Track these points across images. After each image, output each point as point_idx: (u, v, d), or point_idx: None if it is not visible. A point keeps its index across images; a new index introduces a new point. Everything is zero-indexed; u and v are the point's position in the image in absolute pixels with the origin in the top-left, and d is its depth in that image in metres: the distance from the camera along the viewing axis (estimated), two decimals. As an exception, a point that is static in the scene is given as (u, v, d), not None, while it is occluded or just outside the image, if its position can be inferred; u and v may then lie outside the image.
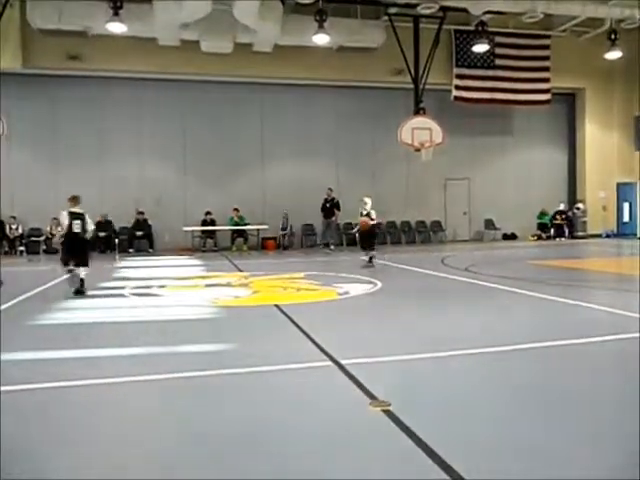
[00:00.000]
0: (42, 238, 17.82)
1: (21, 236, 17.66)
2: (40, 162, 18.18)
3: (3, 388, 3.99)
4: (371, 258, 12.22)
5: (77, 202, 8.90)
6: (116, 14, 14.66)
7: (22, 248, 17.43)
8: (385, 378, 4.22)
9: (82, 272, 8.55)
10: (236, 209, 18.66)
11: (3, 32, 15.47)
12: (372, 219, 11.88)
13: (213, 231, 18.71)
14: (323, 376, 4.29)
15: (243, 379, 4.27)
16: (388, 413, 3.35)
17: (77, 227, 8.60)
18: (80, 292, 8.46)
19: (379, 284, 9.33)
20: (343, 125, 20.07)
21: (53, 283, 10.09)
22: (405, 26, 17.81)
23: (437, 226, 21.42)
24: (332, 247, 17.67)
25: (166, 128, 18.98)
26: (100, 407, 3.73)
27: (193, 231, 18.46)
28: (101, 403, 3.81)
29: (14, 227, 17.57)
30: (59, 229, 11.17)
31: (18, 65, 16.61)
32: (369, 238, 12.29)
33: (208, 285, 9.76)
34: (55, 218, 17.71)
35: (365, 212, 11.94)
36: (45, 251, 17.64)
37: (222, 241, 18.89)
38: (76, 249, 8.55)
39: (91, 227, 9.00)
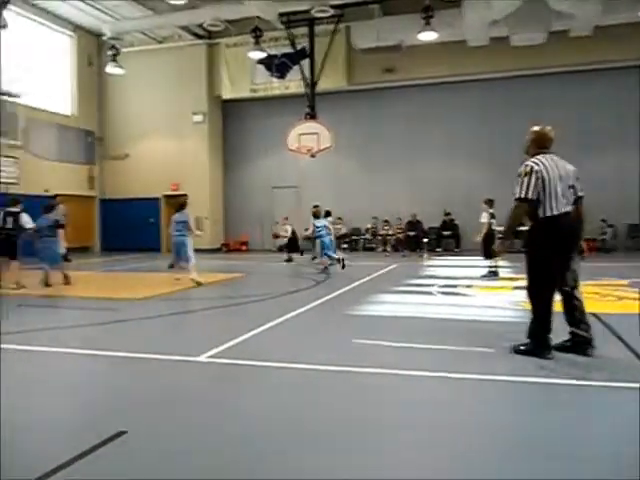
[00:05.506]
0: (361, 237, 19.87)
1: (344, 235, 19.96)
2: (360, 167, 20.26)
3: (308, 366, 4.57)
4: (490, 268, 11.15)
5: None
6: (427, 23, 15.34)
7: (345, 246, 19.67)
8: None
9: None
10: (548, 208, 17.51)
11: (332, 56, 17.76)
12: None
13: (521, 231, 17.89)
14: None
15: (556, 391, 3.99)
16: None
17: None
18: None
19: None
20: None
21: (368, 278, 11.11)
22: None
23: None
24: None
25: (474, 128, 18.98)
26: (398, 396, 3.95)
27: (500, 232, 17.98)
28: (399, 392, 4.03)
29: (338, 227, 19.93)
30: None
31: (344, 84, 18.88)
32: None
33: (516, 287, 9.39)
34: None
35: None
36: (365, 248, 19.65)
37: (531, 242, 17.94)
38: None
39: None
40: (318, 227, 12.70)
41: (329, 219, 14.18)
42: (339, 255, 12.80)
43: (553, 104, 17.96)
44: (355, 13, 17.40)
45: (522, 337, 4.92)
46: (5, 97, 15.03)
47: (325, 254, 12.63)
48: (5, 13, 15.05)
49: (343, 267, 12.36)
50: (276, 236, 16.06)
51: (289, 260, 15.39)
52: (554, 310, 4.77)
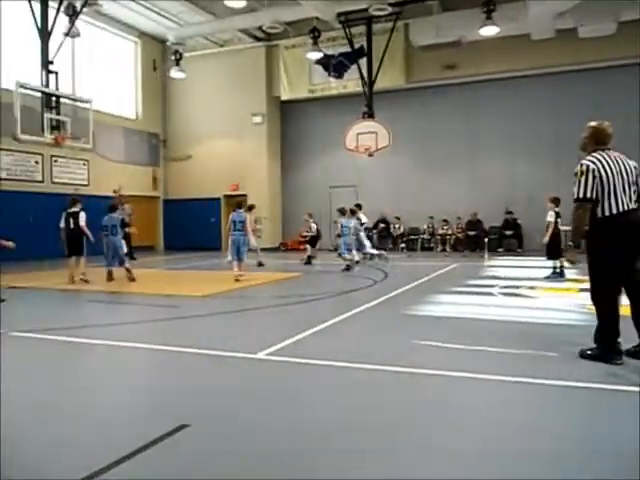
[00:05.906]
0: (419, 236, 19.62)
1: (402, 234, 19.80)
2: (418, 166, 20.02)
3: (365, 366, 4.54)
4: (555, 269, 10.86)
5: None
6: (489, 17, 15.00)
7: (403, 245, 19.52)
8: None
9: None
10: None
11: (390, 54, 17.64)
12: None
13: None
14: None
15: (623, 398, 3.81)
16: None
17: None
18: None
19: None
20: None
21: (427, 278, 10.97)
22: None
23: None
24: None
25: (537, 125, 18.37)
26: (451, 400, 3.88)
27: (566, 231, 17.32)
28: (453, 395, 3.95)
29: (397, 227, 19.81)
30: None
31: (402, 82, 18.72)
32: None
33: (582, 289, 9.02)
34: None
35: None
36: (423, 248, 19.39)
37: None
38: None
39: None
40: (343, 226, 12.98)
41: (361, 215, 14.50)
42: (356, 256, 12.95)
43: (619, 98, 17.09)
44: (413, 10, 17.22)
45: (588, 341, 4.74)
46: (78, 102, 15.79)
47: (340, 254, 12.94)
48: (77, 22, 15.79)
49: (347, 269, 12.53)
50: (302, 235, 15.76)
51: (310, 261, 14.67)
52: (622, 313, 4.56)
